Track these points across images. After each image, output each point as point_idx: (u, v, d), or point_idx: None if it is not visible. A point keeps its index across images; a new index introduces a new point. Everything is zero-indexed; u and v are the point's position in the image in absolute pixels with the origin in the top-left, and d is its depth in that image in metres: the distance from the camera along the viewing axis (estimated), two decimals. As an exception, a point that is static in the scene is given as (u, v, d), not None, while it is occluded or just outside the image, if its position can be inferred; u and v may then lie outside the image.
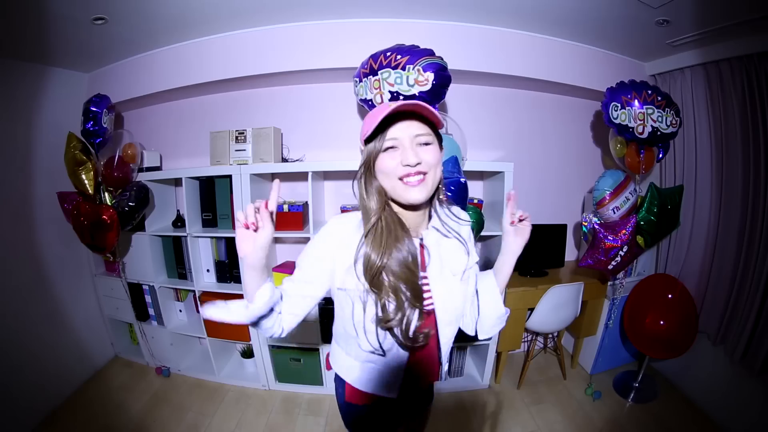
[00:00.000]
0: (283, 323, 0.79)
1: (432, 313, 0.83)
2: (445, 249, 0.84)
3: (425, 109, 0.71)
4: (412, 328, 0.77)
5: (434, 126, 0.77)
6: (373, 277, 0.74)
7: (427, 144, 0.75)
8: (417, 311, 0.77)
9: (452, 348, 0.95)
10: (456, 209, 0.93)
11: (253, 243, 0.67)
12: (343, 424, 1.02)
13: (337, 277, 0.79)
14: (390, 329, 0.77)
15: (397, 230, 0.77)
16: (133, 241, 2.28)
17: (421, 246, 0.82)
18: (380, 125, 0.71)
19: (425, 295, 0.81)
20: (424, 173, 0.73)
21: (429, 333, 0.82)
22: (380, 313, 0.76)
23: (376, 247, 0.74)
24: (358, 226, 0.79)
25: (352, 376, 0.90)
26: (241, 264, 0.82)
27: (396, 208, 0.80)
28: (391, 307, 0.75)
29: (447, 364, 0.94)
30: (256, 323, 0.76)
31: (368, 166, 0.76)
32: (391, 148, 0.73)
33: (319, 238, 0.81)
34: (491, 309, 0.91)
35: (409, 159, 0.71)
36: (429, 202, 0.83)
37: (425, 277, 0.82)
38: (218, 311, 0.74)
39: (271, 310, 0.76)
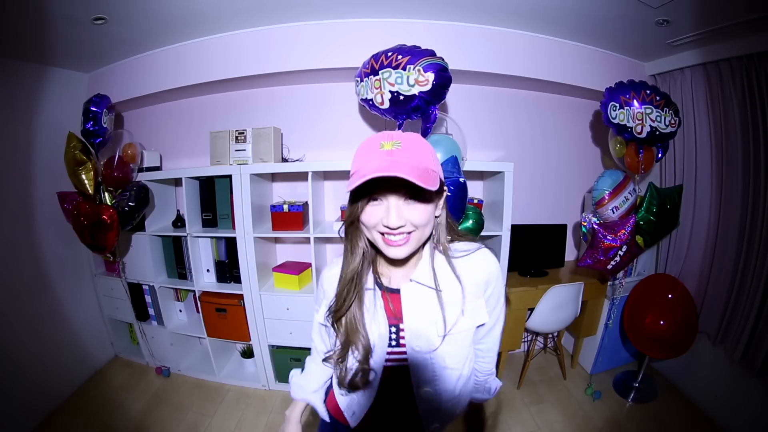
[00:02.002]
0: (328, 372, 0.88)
1: (404, 368, 0.75)
2: (430, 305, 0.73)
3: (415, 172, 0.59)
4: (348, 377, 0.77)
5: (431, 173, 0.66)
6: (334, 317, 0.77)
7: (415, 201, 0.64)
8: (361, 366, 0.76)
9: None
10: (464, 245, 0.77)
11: None
12: None
13: (320, 313, 0.82)
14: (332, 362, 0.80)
15: (362, 281, 0.75)
16: (133, 241, 2.28)
17: (395, 294, 0.75)
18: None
19: (395, 348, 0.76)
20: (409, 234, 0.65)
21: (366, 380, 0.77)
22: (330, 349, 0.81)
23: (341, 289, 0.75)
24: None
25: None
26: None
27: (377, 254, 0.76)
28: (338, 348, 0.78)
29: (437, 424, 0.81)
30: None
31: (352, 221, 0.70)
32: (377, 201, 0.65)
33: (317, 297, 0.87)
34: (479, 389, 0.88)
35: (390, 221, 0.63)
36: (422, 249, 0.75)
37: (402, 330, 0.75)
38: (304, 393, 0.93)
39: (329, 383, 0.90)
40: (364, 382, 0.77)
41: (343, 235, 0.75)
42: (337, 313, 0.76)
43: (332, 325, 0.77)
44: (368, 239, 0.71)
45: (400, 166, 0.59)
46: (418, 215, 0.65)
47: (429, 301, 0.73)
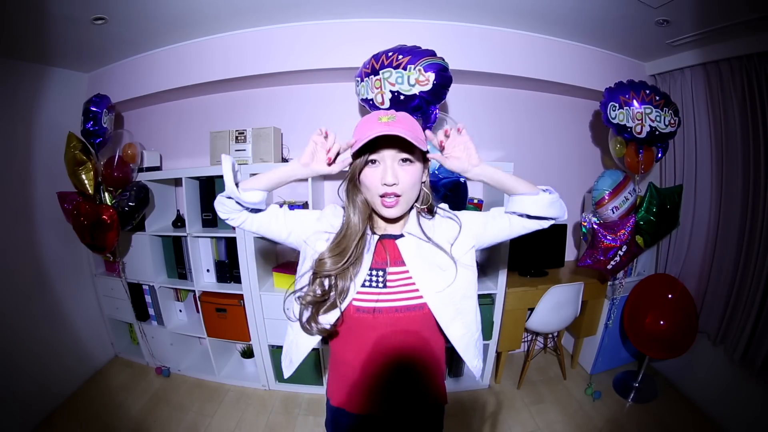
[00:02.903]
0: (244, 217, 0.87)
1: (424, 307, 0.81)
2: (425, 250, 0.84)
3: (409, 132, 0.74)
4: (306, 317, 0.83)
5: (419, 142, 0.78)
6: (317, 274, 0.81)
7: (408, 162, 0.78)
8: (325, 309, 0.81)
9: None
10: (440, 207, 0.93)
11: (310, 157, 0.83)
12: None
13: (308, 235, 0.86)
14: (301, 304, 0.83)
15: (360, 248, 0.82)
16: (133, 241, 2.28)
17: (391, 240, 0.85)
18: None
19: (412, 287, 0.82)
20: (399, 195, 0.78)
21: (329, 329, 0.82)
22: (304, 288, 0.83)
23: (334, 252, 0.80)
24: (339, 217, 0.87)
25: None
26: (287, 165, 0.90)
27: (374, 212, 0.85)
28: (314, 290, 0.81)
29: (478, 359, 0.89)
30: (230, 198, 0.83)
31: (352, 178, 0.82)
32: (374, 162, 0.78)
33: (314, 213, 0.91)
34: (530, 205, 0.84)
35: (387, 178, 0.76)
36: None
37: (406, 272, 0.83)
38: (227, 164, 0.82)
39: (245, 208, 0.86)
40: (327, 323, 0.81)
41: (343, 192, 0.85)
42: (322, 270, 0.79)
43: (313, 271, 0.81)
44: (369, 208, 0.83)
45: (396, 130, 0.73)
46: (409, 176, 0.78)
47: (422, 248, 0.84)
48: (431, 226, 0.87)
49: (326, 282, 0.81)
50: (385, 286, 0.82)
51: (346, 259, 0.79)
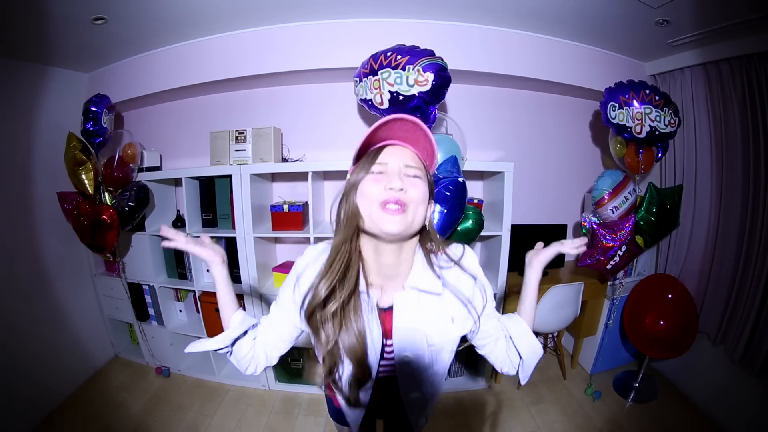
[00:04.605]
0: (258, 360, 0.81)
1: (392, 379, 0.80)
2: (425, 314, 0.74)
3: (422, 140, 0.70)
4: (342, 391, 0.76)
5: (427, 168, 0.75)
6: (310, 314, 0.71)
7: (415, 177, 0.70)
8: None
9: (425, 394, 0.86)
10: (453, 249, 0.80)
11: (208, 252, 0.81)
12: None
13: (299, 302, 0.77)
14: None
15: (354, 270, 0.71)
16: (133, 241, 2.28)
17: (388, 312, 0.75)
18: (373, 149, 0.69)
19: (382, 362, 0.77)
20: (405, 205, 0.67)
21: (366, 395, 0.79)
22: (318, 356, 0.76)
23: (326, 282, 0.69)
24: (323, 251, 0.76)
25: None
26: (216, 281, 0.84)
27: (370, 245, 0.72)
28: (321, 357, 0.74)
29: (425, 420, 0.90)
30: (233, 346, 0.79)
31: (348, 193, 0.71)
32: (379, 173, 0.69)
33: (289, 277, 0.82)
34: (531, 354, 0.81)
35: (393, 183, 0.67)
36: (413, 251, 0.75)
37: (389, 345, 0.76)
38: (198, 345, 0.79)
39: (245, 333, 0.80)
40: (355, 397, 0.77)
41: (334, 212, 0.74)
42: (327, 302, 0.69)
43: (311, 323, 0.71)
44: (358, 225, 0.70)
45: (409, 145, 0.71)
46: (417, 191, 0.69)
47: (422, 309, 0.74)
48: (451, 275, 0.76)
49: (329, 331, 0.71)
50: (384, 358, 0.78)
51: (345, 287, 0.69)
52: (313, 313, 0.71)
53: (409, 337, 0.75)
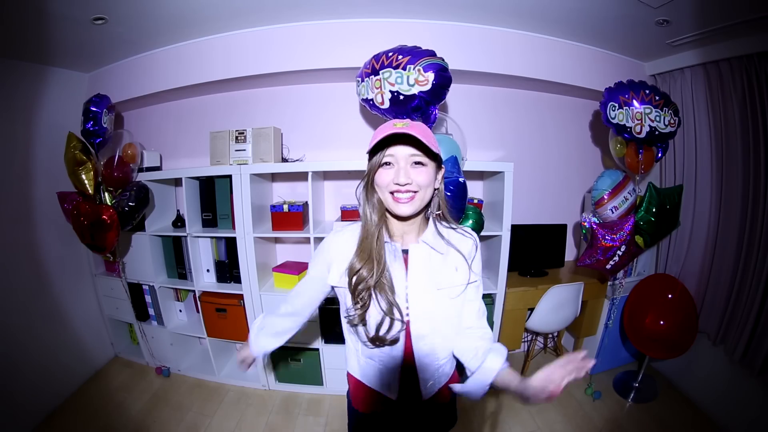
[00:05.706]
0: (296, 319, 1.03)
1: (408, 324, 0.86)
2: (434, 263, 0.86)
3: (421, 135, 0.77)
4: (383, 330, 0.84)
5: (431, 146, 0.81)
6: (356, 284, 0.82)
7: (421, 164, 0.79)
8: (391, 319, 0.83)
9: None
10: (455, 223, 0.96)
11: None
12: (346, 426, 1.04)
13: (333, 276, 0.88)
14: (354, 325, 0.86)
15: (380, 247, 0.83)
16: (133, 241, 2.28)
17: (405, 258, 0.86)
18: (382, 141, 0.79)
19: (404, 305, 0.84)
20: (415, 192, 0.79)
21: (396, 339, 0.85)
22: (349, 311, 0.85)
23: (363, 258, 0.82)
24: (354, 232, 0.88)
25: (356, 369, 0.95)
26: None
27: (389, 217, 0.87)
28: (358, 307, 0.83)
29: (431, 381, 0.91)
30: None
31: (369, 179, 0.83)
32: (388, 164, 0.80)
33: (316, 255, 0.94)
34: (478, 378, 0.87)
35: (399, 178, 0.77)
36: (423, 216, 0.88)
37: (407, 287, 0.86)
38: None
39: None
40: (393, 337, 0.84)
41: (361, 193, 0.86)
42: (355, 277, 0.81)
43: (350, 285, 0.83)
44: (383, 207, 0.84)
45: (410, 131, 0.76)
46: (423, 176, 0.79)
47: (431, 261, 0.86)
48: (452, 235, 0.89)
49: (366, 296, 0.82)
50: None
51: (375, 262, 0.81)
52: (356, 283, 0.82)
53: (420, 279, 0.85)
